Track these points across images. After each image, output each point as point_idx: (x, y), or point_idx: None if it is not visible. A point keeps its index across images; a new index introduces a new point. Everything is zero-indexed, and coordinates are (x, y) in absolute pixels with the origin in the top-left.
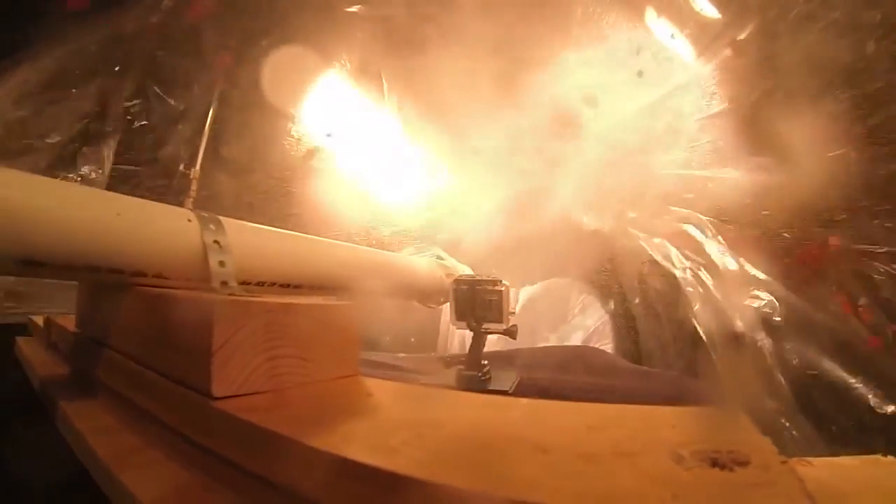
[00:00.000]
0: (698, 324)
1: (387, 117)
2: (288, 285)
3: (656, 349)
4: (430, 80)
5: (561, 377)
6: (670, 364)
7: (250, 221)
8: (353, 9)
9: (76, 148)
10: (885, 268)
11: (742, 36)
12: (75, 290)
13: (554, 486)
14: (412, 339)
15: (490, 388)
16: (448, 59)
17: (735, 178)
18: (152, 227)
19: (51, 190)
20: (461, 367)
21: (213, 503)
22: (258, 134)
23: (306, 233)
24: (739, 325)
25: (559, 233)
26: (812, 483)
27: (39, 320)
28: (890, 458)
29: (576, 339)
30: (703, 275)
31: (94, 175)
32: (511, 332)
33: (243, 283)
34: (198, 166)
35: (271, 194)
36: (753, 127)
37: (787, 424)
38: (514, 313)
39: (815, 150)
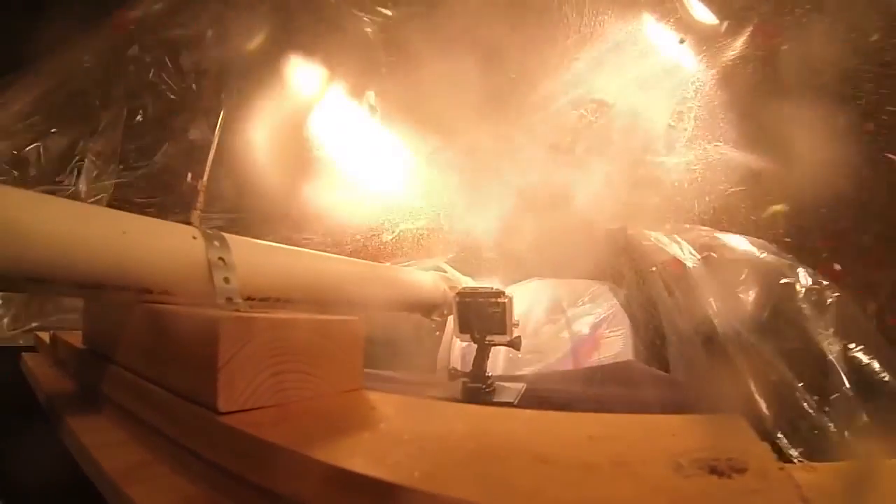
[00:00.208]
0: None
1: (390, 126)
2: (292, 300)
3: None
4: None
5: (589, 391)
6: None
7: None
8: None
9: (77, 162)
10: None
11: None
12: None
13: (554, 497)
14: (415, 353)
15: (495, 400)
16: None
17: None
18: (158, 245)
19: (57, 209)
20: (466, 379)
21: None
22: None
23: (308, 237)
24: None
25: (568, 233)
26: (810, 488)
27: (45, 337)
28: (888, 462)
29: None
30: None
31: (95, 188)
32: (515, 344)
33: (248, 298)
34: (205, 178)
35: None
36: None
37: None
38: (517, 325)
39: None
